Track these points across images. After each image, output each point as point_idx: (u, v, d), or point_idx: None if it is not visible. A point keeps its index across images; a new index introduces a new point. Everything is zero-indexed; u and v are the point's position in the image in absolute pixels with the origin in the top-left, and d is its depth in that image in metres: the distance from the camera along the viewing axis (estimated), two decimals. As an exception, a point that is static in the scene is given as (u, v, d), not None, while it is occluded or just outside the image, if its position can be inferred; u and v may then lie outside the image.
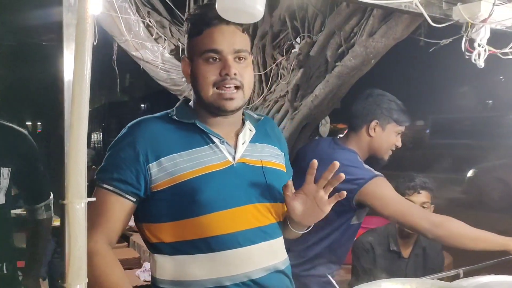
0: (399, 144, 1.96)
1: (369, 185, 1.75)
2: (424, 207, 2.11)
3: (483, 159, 10.88)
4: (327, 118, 4.25)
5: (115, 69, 4.59)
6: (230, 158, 1.19)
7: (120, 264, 1.15)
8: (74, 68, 0.80)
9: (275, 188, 1.22)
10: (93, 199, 0.86)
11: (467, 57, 1.46)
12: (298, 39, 3.71)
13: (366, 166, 1.86)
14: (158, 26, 4.06)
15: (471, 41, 1.46)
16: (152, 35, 4.09)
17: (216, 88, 1.15)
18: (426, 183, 2.18)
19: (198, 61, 1.18)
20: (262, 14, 1.06)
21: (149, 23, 4.02)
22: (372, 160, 1.94)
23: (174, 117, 1.21)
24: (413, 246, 2.19)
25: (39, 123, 21.40)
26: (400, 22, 3.01)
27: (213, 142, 1.19)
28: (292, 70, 3.71)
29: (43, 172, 1.88)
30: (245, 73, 1.18)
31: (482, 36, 1.40)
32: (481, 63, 1.43)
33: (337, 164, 1.14)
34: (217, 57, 1.16)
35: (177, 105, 1.28)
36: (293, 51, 3.71)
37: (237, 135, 1.23)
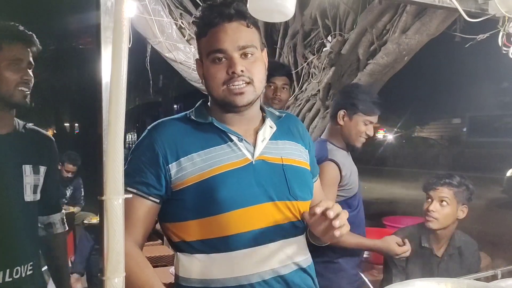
0: (370, 133, 2.09)
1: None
2: (443, 202, 2.03)
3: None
4: (359, 117, 4.21)
5: (148, 70, 4.68)
6: (249, 156, 1.18)
7: (150, 264, 1.17)
8: (111, 69, 0.82)
9: (295, 186, 1.21)
10: (130, 195, 0.88)
11: (504, 52, 1.41)
12: (329, 38, 3.69)
13: (329, 148, 2.06)
14: (190, 27, 4.12)
15: (509, 36, 1.41)
16: (184, 37, 4.16)
17: (226, 86, 1.16)
18: (446, 180, 2.07)
19: (206, 62, 1.18)
20: (293, 12, 1.06)
21: (182, 24, 4.10)
22: (349, 147, 2.13)
23: (192, 117, 1.22)
24: (447, 245, 2.13)
25: (76, 125, 22.09)
26: (434, 18, 2.95)
27: (231, 140, 1.19)
28: (324, 69, 3.70)
29: (58, 181, 1.88)
30: (253, 68, 1.16)
31: (520, 30, 1.36)
32: (519, 58, 1.39)
33: (330, 214, 1.06)
34: (222, 56, 1.15)
35: (196, 105, 1.29)
36: (324, 49, 3.69)
37: (256, 133, 1.22)
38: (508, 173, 9.38)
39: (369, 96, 2.12)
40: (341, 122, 2.10)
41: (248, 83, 1.16)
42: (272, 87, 2.45)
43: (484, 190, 10.17)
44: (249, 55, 1.16)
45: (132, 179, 1.15)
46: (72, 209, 4.81)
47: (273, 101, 2.46)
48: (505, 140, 16.79)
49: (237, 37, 1.15)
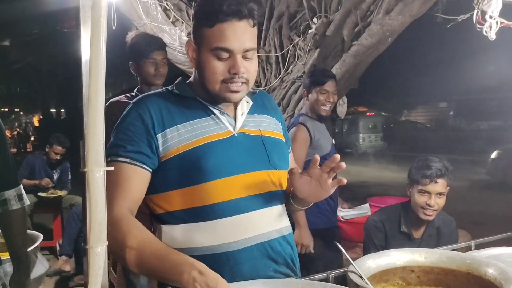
0: (331, 99, 2.62)
1: (292, 129, 2.55)
2: (440, 195, 2.04)
3: (508, 141, 10.67)
4: (345, 98, 4.24)
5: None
6: (231, 128, 1.23)
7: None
8: (91, 44, 0.84)
9: (274, 156, 1.27)
10: (111, 168, 0.90)
11: (478, 29, 1.45)
12: (314, 19, 3.70)
13: (301, 118, 2.61)
14: (175, 9, 4.10)
15: (483, 14, 1.44)
16: (169, 18, 4.14)
17: (224, 84, 1.18)
18: (442, 170, 2.04)
19: (206, 54, 1.18)
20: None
21: (167, 6, 4.07)
22: (320, 117, 2.65)
23: (175, 91, 1.25)
24: (426, 227, 2.14)
25: (62, 110, 21.83)
26: (416, -1, 2.98)
27: (214, 114, 1.23)
28: (309, 50, 3.72)
29: (9, 156, 1.71)
30: (251, 70, 1.20)
31: (493, 8, 1.38)
32: (492, 35, 1.42)
33: (337, 156, 1.15)
34: (227, 55, 1.16)
35: (176, 82, 1.31)
36: (309, 31, 3.70)
37: (235, 107, 1.27)
38: (492, 155, 9.53)
39: (317, 71, 2.76)
40: (306, 99, 2.66)
41: (244, 83, 1.19)
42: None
43: (468, 172, 10.34)
44: (250, 56, 1.19)
45: (123, 148, 1.17)
46: (59, 192, 4.82)
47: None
48: (489, 123, 17.03)
49: (244, 38, 1.16)
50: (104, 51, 0.86)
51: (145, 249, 1.08)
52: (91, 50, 0.85)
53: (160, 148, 1.19)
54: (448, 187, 2.09)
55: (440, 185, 2.05)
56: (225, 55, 1.17)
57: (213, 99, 1.23)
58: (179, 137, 1.18)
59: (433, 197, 2.04)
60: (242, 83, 1.19)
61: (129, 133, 1.19)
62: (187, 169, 1.17)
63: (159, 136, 1.19)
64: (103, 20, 0.85)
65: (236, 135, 1.23)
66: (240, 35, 1.16)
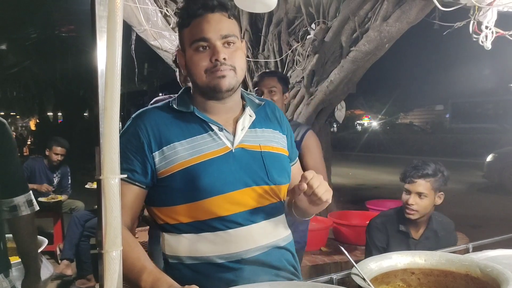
0: (266, 96, 2.39)
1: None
2: (421, 195, 2.10)
3: (504, 144, 10.73)
4: (343, 103, 4.29)
5: (134, 58, 4.68)
6: (229, 144, 1.24)
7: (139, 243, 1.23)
8: (107, 56, 0.87)
9: (273, 171, 1.27)
10: (125, 175, 0.94)
11: (474, 39, 1.49)
12: (313, 25, 3.75)
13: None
14: (175, 15, 4.14)
15: (479, 24, 1.49)
16: (169, 24, 4.17)
17: (209, 73, 1.20)
18: (423, 171, 2.11)
19: (189, 52, 1.22)
20: (275, 4, 1.12)
21: (167, 12, 4.11)
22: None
23: (175, 106, 1.26)
24: (425, 229, 2.19)
25: (59, 114, 21.80)
26: (414, 6, 3.03)
27: (212, 130, 1.24)
28: (308, 56, 3.76)
29: (19, 163, 1.75)
30: (235, 57, 1.22)
31: (489, 18, 1.43)
32: (488, 45, 1.47)
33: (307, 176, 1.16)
34: (206, 45, 1.20)
35: (178, 94, 1.33)
36: (308, 37, 3.75)
37: (236, 122, 1.28)
38: (488, 158, 9.59)
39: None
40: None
41: (231, 69, 1.21)
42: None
43: (464, 175, 10.41)
44: (231, 44, 1.22)
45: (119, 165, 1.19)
46: (59, 197, 4.83)
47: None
48: (486, 126, 17.12)
49: (220, 27, 1.20)
50: (120, 63, 0.89)
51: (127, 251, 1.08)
52: (107, 62, 0.88)
53: (157, 166, 1.21)
54: (442, 193, 2.16)
55: (418, 185, 2.11)
56: (204, 45, 1.20)
57: (208, 97, 1.25)
58: (176, 155, 1.20)
59: (413, 196, 2.12)
60: (229, 69, 1.21)
61: (125, 150, 1.20)
62: (185, 187, 1.19)
63: (156, 154, 1.21)
64: (118, 34, 0.88)
65: (233, 151, 1.24)
66: (215, 24, 1.20)
